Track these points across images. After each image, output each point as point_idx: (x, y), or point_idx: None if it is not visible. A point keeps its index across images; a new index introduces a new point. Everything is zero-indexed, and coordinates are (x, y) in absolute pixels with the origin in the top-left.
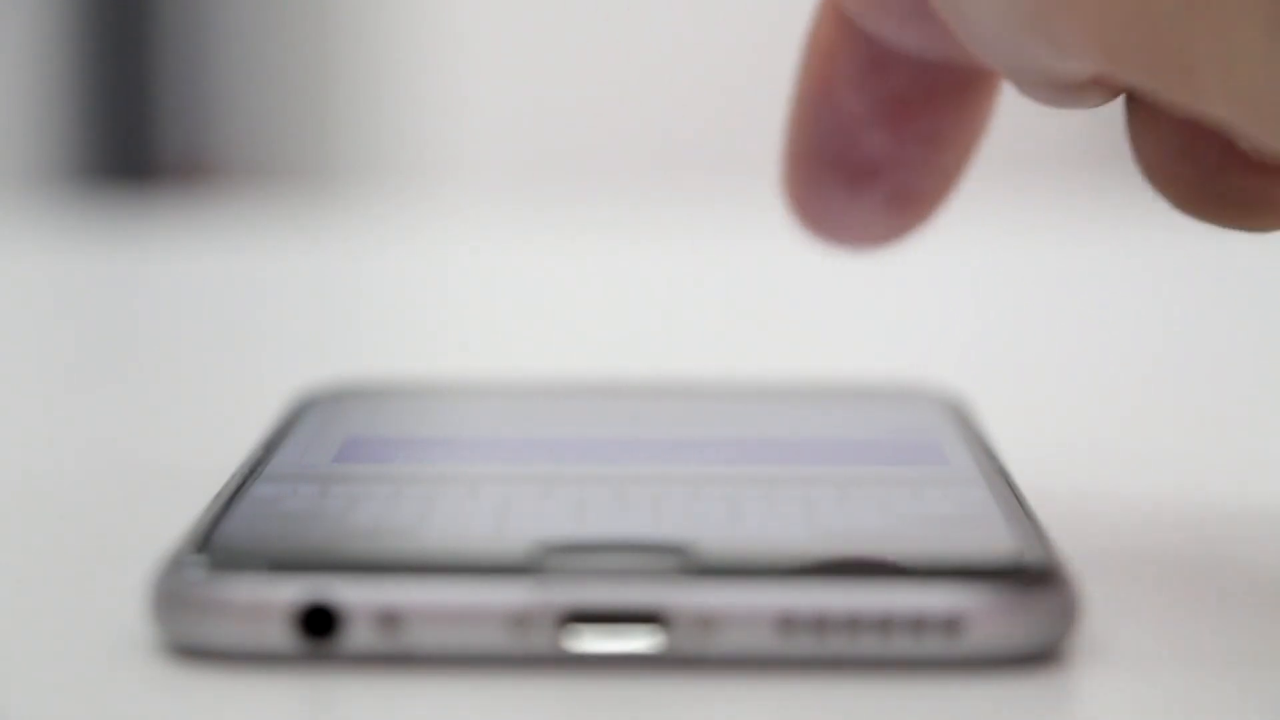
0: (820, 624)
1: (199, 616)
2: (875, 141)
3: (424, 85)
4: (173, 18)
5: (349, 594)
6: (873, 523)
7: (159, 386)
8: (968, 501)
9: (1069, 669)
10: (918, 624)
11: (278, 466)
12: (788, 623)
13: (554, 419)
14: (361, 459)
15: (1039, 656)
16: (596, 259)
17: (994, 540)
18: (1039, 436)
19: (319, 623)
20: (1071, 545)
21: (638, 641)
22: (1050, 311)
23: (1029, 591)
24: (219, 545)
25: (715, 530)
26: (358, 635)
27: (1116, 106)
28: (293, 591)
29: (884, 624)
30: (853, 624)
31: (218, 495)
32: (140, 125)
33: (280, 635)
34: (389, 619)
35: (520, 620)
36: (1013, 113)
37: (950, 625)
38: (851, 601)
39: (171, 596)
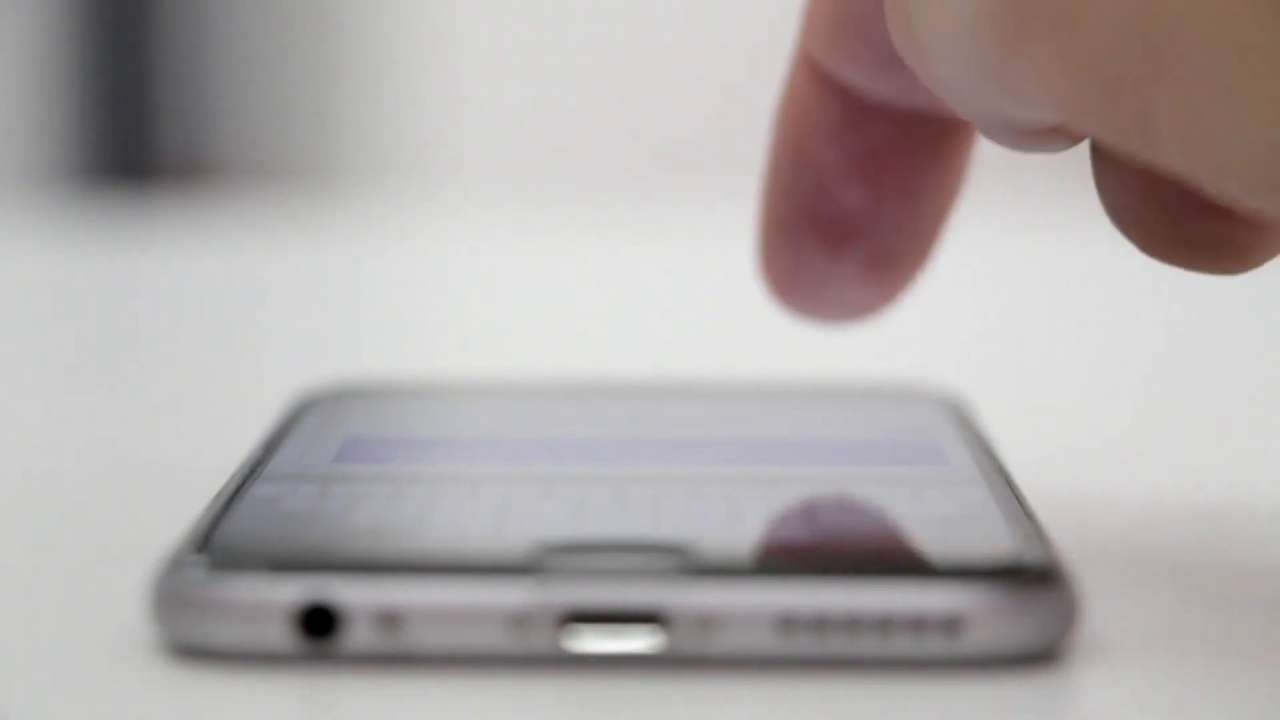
0: (820, 624)
1: (199, 616)
2: (853, 198)
3: (424, 85)
4: (173, 18)
5: (349, 594)
6: (872, 523)
7: (159, 386)
8: (968, 501)
9: (1069, 669)
10: (918, 624)
11: (278, 466)
12: (788, 623)
13: (554, 419)
14: (361, 459)
15: (1039, 656)
16: (596, 259)
17: (994, 540)
18: (1039, 436)
19: (319, 623)
20: (1071, 545)
21: (638, 641)
22: (1050, 311)
23: (1029, 591)
24: (219, 545)
25: (715, 530)
26: (358, 635)
27: None
28: (293, 591)
29: (884, 624)
30: (853, 624)
31: (218, 495)
32: (140, 125)
33: (280, 635)
34: (389, 619)
35: (520, 620)
36: None
37: (950, 625)
38: (851, 601)
39: (171, 596)
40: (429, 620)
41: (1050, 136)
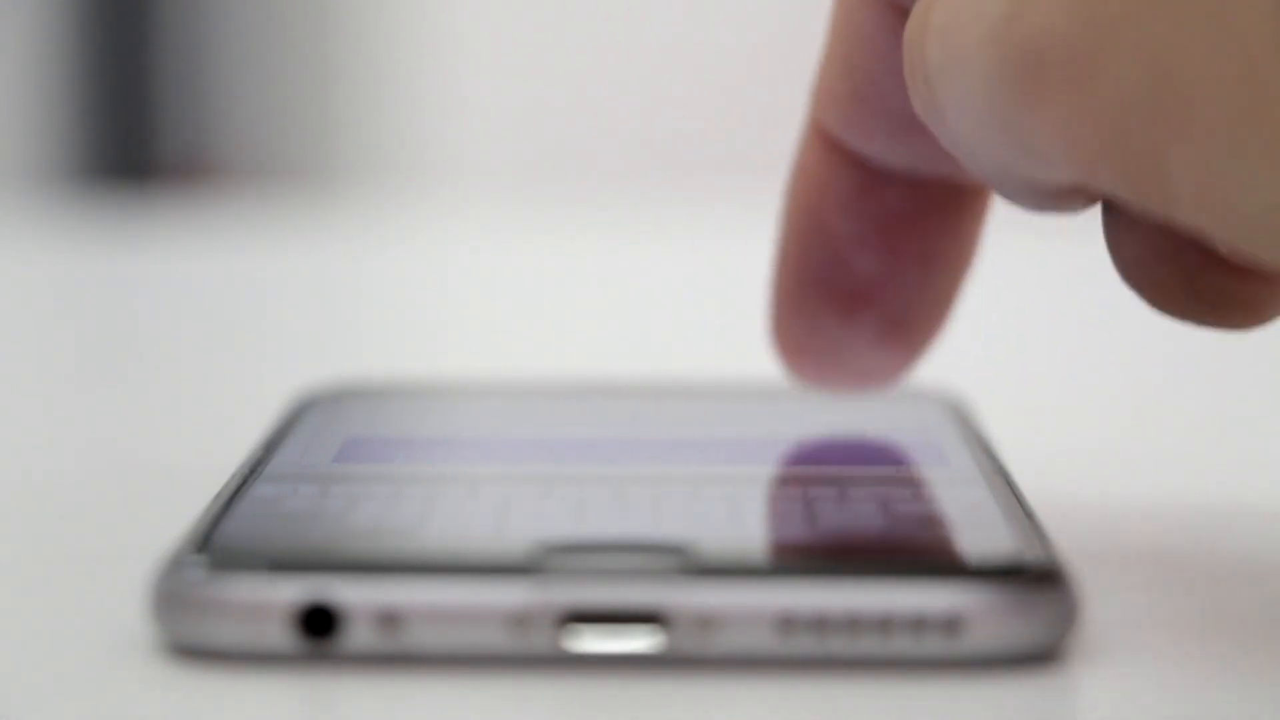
0: (820, 624)
1: (199, 616)
2: (868, 264)
3: (424, 85)
4: (173, 18)
5: (349, 594)
6: (873, 523)
7: (159, 386)
8: (968, 501)
9: (1069, 669)
10: (918, 624)
11: (278, 466)
12: (788, 623)
13: (554, 419)
14: (361, 459)
15: (1039, 656)
16: (596, 259)
17: (994, 540)
18: (1039, 437)
19: (319, 623)
20: (1071, 545)
21: (638, 641)
22: (1050, 312)
23: (1029, 591)
24: (219, 545)
25: (715, 530)
26: (358, 635)
27: None
28: (293, 591)
29: (884, 624)
30: (853, 624)
31: (218, 495)
32: (140, 125)
33: (280, 635)
34: (389, 619)
35: (520, 620)
36: None
37: (950, 625)
38: (851, 601)
39: (171, 596)
40: (429, 620)
41: (1068, 197)
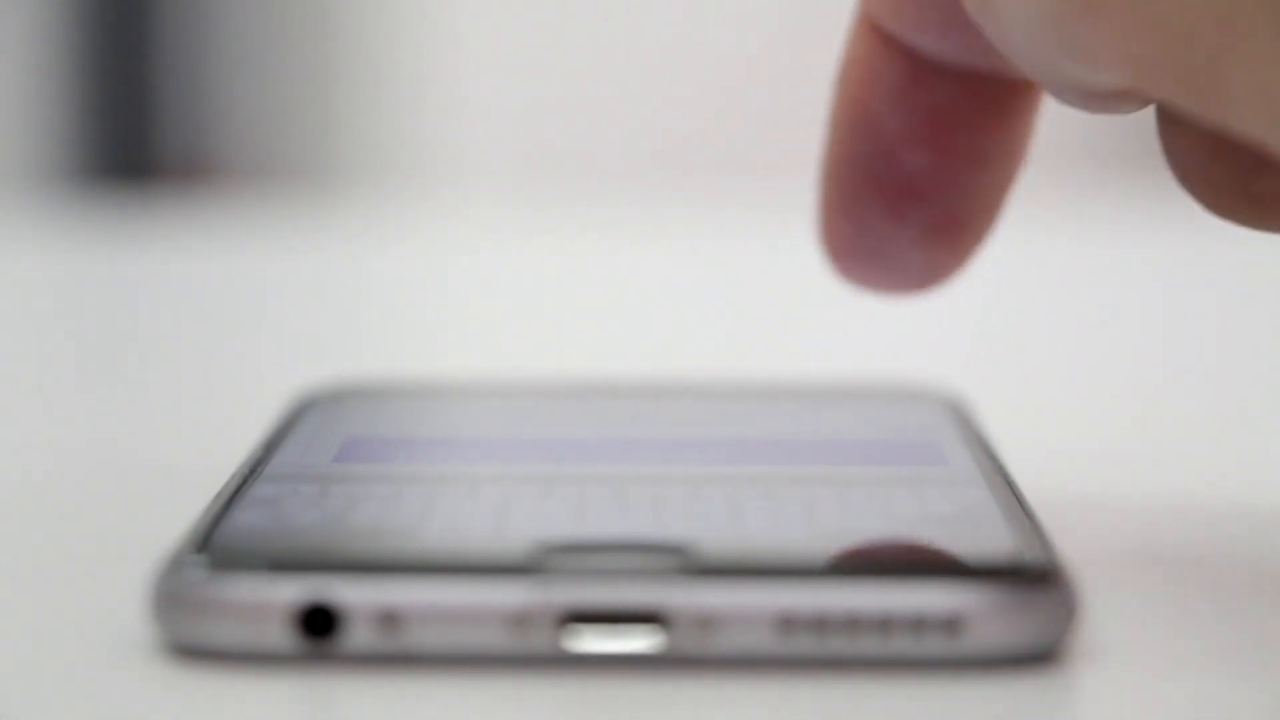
0: (820, 624)
1: (199, 616)
2: (917, 162)
3: (424, 85)
4: (173, 18)
5: (349, 594)
6: (873, 523)
7: (159, 386)
8: (968, 501)
9: (1069, 669)
10: (918, 624)
11: (278, 466)
12: (788, 623)
13: (554, 419)
14: (361, 459)
15: (1039, 656)
16: (596, 259)
17: (994, 540)
18: (1039, 436)
19: (319, 623)
20: (1071, 545)
21: (638, 641)
22: (1050, 311)
23: (1029, 591)
24: (219, 545)
25: (715, 530)
26: (358, 635)
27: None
28: (293, 591)
29: (884, 624)
30: (853, 624)
31: (218, 495)
32: (140, 125)
33: (280, 635)
34: (389, 619)
35: (520, 620)
36: None
37: (950, 625)
38: (851, 601)
39: (171, 596)
40: (429, 620)
41: (1120, 99)
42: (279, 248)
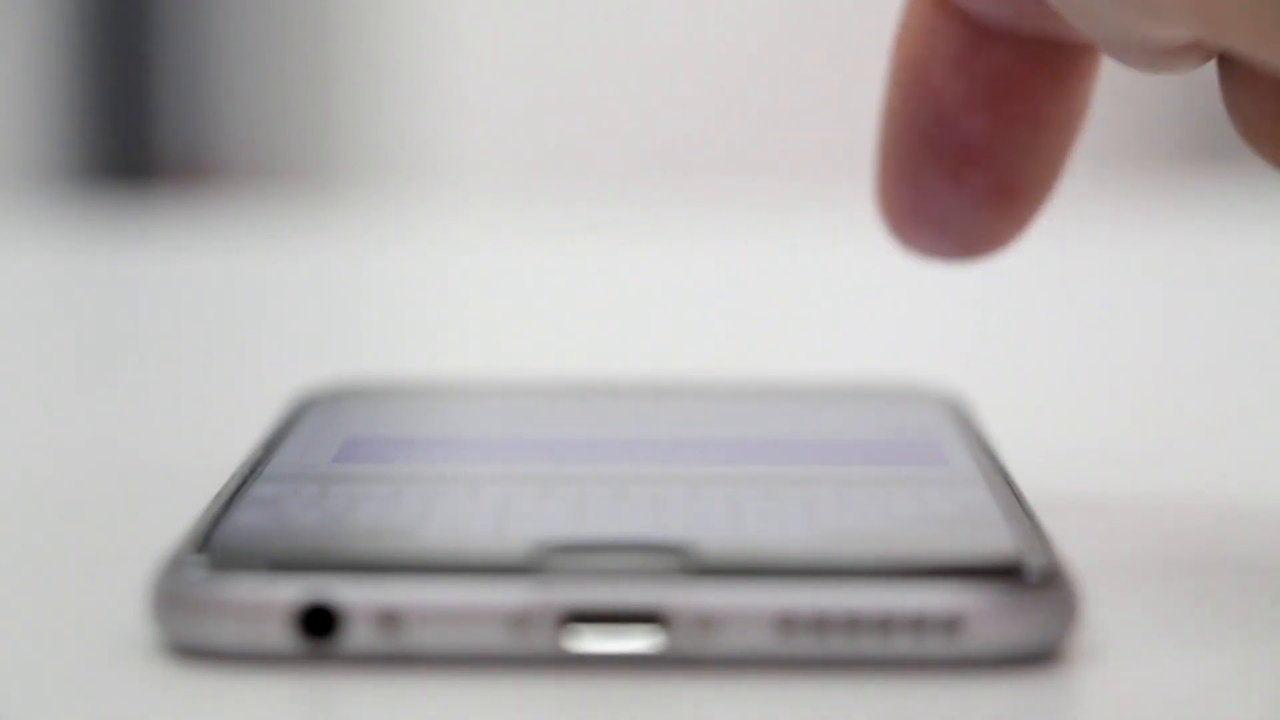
0: (820, 624)
1: (199, 616)
2: (976, 125)
3: (424, 85)
4: (173, 18)
5: (349, 594)
6: (873, 523)
7: (159, 386)
8: (968, 501)
9: (1069, 669)
10: (918, 624)
11: (278, 466)
12: (788, 623)
13: (554, 419)
14: (361, 459)
15: (1039, 656)
16: (596, 259)
17: (994, 540)
18: (1039, 437)
19: (319, 623)
20: (1071, 545)
21: (638, 641)
22: (1050, 311)
23: (1029, 591)
24: (219, 545)
25: (715, 530)
26: (358, 635)
27: (1132, 95)
28: (293, 591)
29: (884, 624)
30: (853, 624)
31: (218, 495)
32: (140, 125)
33: (280, 635)
34: (389, 619)
35: (520, 620)
36: None
37: (950, 625)
38: (851, 601)
39: (171, 596)
40: (429, 620)
41: (1183, 54)
42: (279, 248)
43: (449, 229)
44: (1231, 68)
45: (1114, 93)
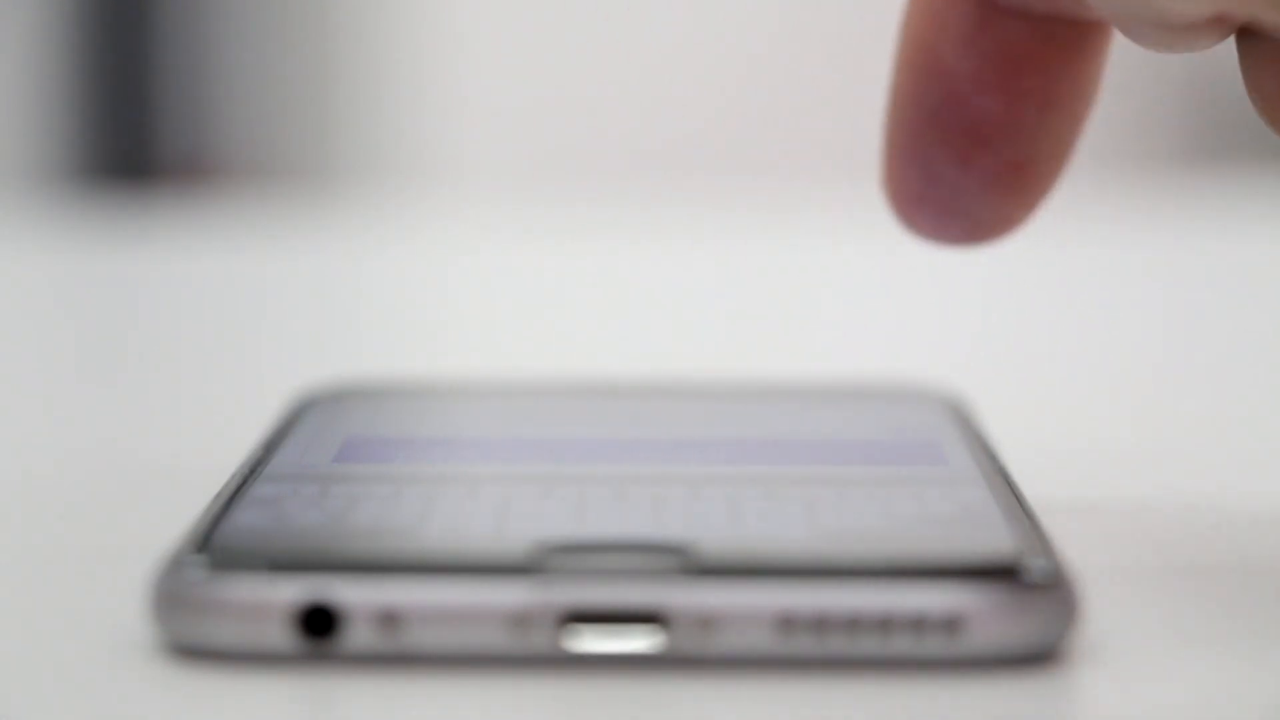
0: (820, 624)
1: (199, 616)
2: (986, 105)
3: (424, 85)
4: (173, 18)
5: (349, 594)
6: (872, 523)
7: (159, 386)
8: (968, 501)
9: (1069, 669)
10: (918, 624)
11: (278, 466)
12: (788, 623)
13: (554, 419)
14: (361, 459)
15: (1039, 656)
16: (596, 259)
17: (994, 540)
18: (1039, 437)
19: (319, 623)
20: (1071, 545)
21: (638, 641)
22: (1050, 311)
23: (1029, 591)
24: (219, 545)
25: (715, 530)
26: (358, 635)
27: (1125, 91)
28: (293, 591)
29: (884, 624)
30: (853, 624)
31: (218, 495)
32: (140, 125)
33: (280, 635)
34: (389, 619)
35: (520, 620)
36: None
37: (950, 625)
38: (851, 601)
39: (171, 596)
40: (429, 620)
41: (1202, 31)
42: (279, 248)
43: (449, 229)
44: (1253, 44)
45: (1114, 92)
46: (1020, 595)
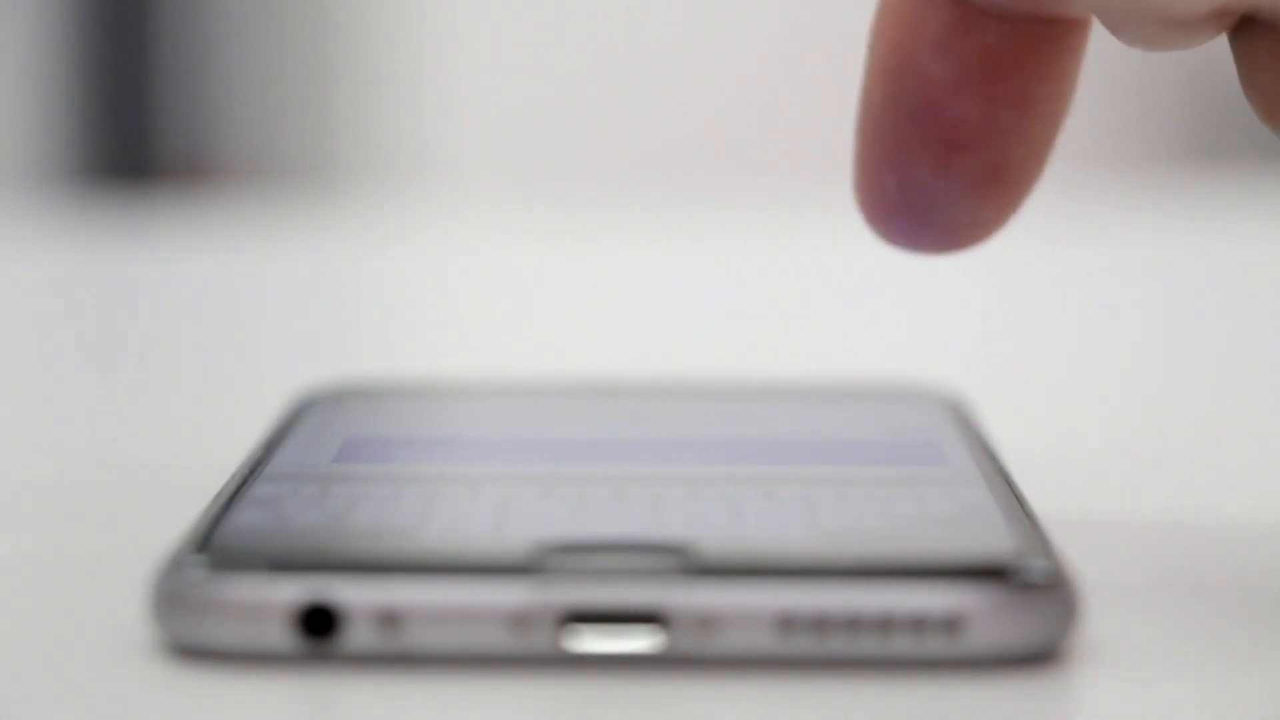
0: (820, 624)
1: (199, 616)
2: (963, 109)
3: (424, 85)
4: (173, 18)
5: (349, 594)
6: (872, 523)
7: (159, 386)
8: (968, 501)
9: (1069, 669)
10: (918, 624)
11: (278, 466)
12: (788, 623)
13: (554, 419)
14: (361, 459)
15: (1039, 656)
16: (596, 259)
17: (994, 540)
18: (1039, 436)
19: (319, 623)
20: (1071, 545)
21: (638, 641)
22: (1050, 311)
23: (1029, 591)
24: (219, 545)
25: (715, 530)
26: (358, 635)
27: (1114, 93)
28: (293, 591)
29: (884, 624)
30: (853, 624)
31: (218, 495)
32: (140, 125)
33: (280, 635)
34: (389, 619)
35: (520, 620)
36: None
37: (950, 625)
38: (851, 601)
39: (171, 596)
40: (429, 620)
41: (1199, 26)
42: (279, 248)
43: (449, 229)
44: (1249, 39)
45: (1114, 92)
46: (1020, 595)
